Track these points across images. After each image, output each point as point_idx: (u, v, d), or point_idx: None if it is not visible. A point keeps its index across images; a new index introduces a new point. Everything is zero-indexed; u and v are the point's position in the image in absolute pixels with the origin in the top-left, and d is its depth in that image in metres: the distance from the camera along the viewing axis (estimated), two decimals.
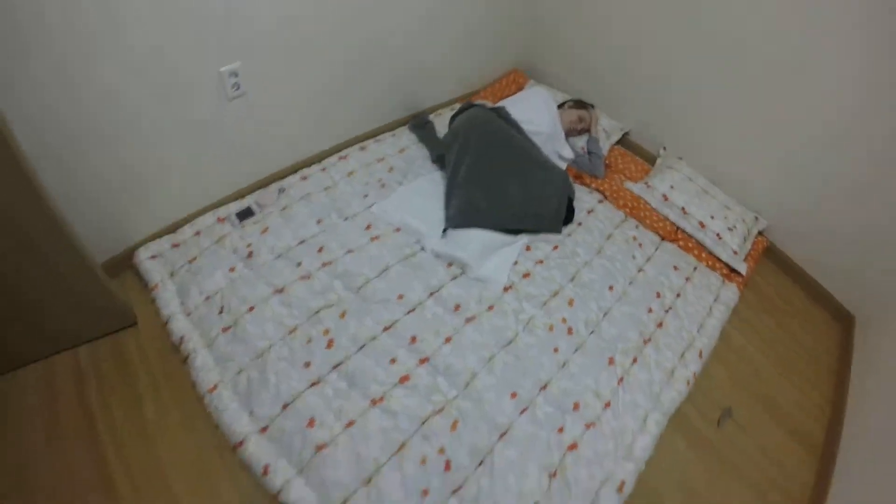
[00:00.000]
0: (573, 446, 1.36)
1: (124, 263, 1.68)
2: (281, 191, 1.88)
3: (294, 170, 1.99)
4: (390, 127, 2.28)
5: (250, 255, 1.65)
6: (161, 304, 1.51)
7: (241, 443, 1.24)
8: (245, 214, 1.78)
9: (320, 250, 1.68)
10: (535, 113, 2.12)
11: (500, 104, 2.12)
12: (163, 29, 1.37)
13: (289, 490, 1.17)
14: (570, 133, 2.27)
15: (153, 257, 1.63)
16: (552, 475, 1.30)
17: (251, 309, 1.49)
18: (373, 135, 2.21)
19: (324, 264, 1.65)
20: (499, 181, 1.81)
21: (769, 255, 2.24)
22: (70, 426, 1.38)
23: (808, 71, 1.84)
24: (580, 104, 2.35)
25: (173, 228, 1.73)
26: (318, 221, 1.78)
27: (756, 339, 1.95)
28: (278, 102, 1.80)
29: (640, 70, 2.35)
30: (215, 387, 1.33)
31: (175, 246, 1.67)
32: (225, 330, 1.45)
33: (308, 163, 2.04)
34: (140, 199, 1.64)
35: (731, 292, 1.92)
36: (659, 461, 1.45)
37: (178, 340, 1.44)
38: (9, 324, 1.36)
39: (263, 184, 1.94)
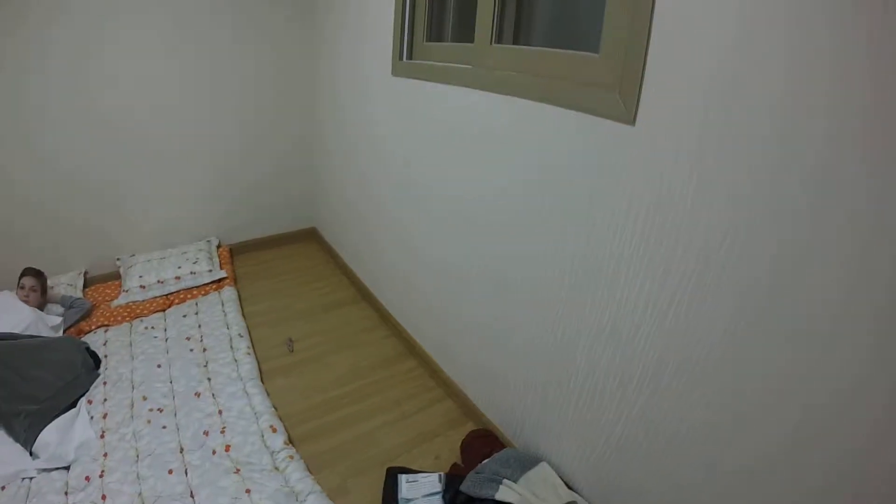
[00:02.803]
0: (224, 430, 2.03)
1: None
2: None
3: None
4: None
5: None
6: None
7: None
8: None
9: None
10: (7, 313, 2.39)
11: None
12: None
13: None
14: (36, 303, 2.60)
15: None
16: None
17: None
18: None
19: None
20: (27, 383, 2.07)
21: (236, 250, 3.31)
22: None
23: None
24: (21, 274, 2.63)
25: None
26: None
27: (276, 293, 3.01)
28: None
29: (77, 205, 2.92)
30: None
31: None
32: None
33: None
34: None
35: (228, 292, 2.86)
36: (283, 404, 2.22)
37: None
38: None
39: None
